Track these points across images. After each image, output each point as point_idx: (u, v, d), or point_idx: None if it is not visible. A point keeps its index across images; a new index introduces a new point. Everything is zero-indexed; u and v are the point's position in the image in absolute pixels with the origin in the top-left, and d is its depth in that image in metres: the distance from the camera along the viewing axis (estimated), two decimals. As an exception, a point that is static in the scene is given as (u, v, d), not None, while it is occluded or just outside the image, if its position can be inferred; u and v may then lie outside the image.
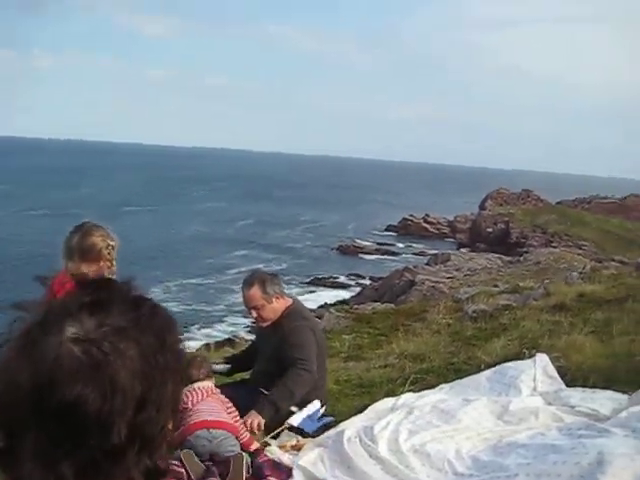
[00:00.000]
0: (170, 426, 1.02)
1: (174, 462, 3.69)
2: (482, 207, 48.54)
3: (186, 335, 27.40)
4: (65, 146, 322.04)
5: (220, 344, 14.40)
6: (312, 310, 26.12)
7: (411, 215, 61.09)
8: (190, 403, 4.12)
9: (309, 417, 4.53)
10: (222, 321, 28.77)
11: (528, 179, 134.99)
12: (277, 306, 4.82)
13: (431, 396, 4.62)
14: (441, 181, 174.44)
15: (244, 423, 4.27)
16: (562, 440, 3.43)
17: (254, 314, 4.82)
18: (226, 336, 19.97)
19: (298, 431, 4.46)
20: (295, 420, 4.44)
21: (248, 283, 4.81)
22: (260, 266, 43.63)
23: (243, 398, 4.84)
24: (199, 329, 28.55)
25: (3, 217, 57.08)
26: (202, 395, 4.18)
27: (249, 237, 55.71)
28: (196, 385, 4.23)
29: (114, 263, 3.56)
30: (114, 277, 3.76)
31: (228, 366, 5.31)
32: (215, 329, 27.87)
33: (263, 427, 4.37)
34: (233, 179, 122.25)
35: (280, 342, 4.69)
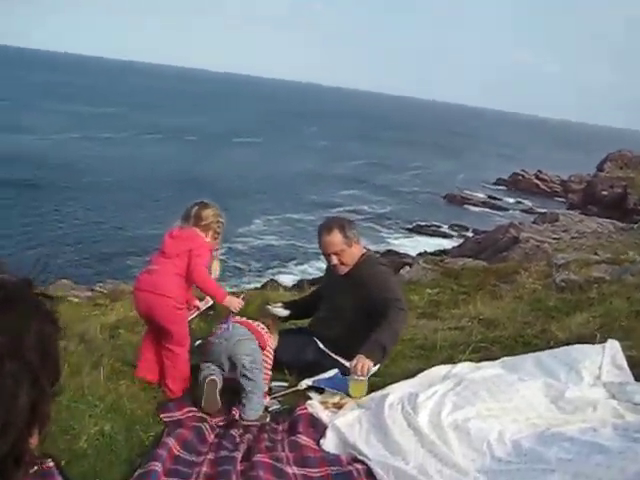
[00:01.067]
0: (34, 440, 0.86)
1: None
2: (600, 168, 45.85)
3: (282, 269, 27.87)
4: (175, 72, 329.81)
5: (315, 282, 14.40)
6: (410, 257, 26.03)
7: (523, 170, 58.92)
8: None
9: (324, 379, 4.42)
10: (319, 259, 28.92)
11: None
12: (355, 251, 4.75)
13: (488, 369, 4.37)
14: (559, 137, 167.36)
15: (354, 367, 4.19)
16: (613, 441, 3.13)
17: (334, 260, 4.73)
18: (321, 274, 19.98)
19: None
20: (308, 381, 4.35)
21: (327, 228, 4.72)
22: (365, 207, 43.64)
23: (298, 344, 4.78)
24: (296, 265, 28.92)
25: (123, 139, 59.43)
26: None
27: (357, 177, 55.54)
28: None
29: (220, 237, 4.39)
30: (217, 249, 4.39)
31: (287, 312, 5.23)
32: (312, 266, 28.10)
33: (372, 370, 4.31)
34: (343, 117, 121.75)
35: (359, 288, 4.59)
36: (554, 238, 25.99)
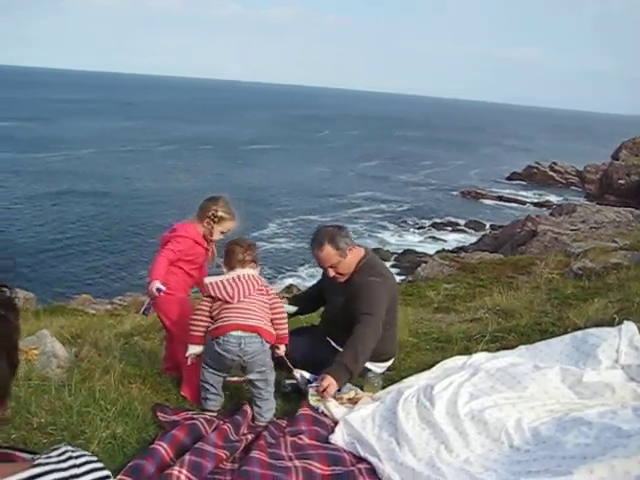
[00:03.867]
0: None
1: None
2: (615, 157, 45.36)
3: (292, 274, 27.70)
4: (194, 84, 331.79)
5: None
6: (428, 256, 25.90)
7: (537, 163, 58.43)
8: (235, 297, 3.94)
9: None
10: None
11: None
12: (352, 259, 4.64)
13: (505, 358, 4.29)
14: (570, 127, 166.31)
15: (321, 386, 4.13)
16: (633, 422, 3.05)
17: (332, 272, 4.63)
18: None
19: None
20: (305, 373, 4.31)
21: (318, 243, 4.59)
22: (381, 207, 43.49)
23: (312, 343, 4.74)
24: (306, 268, 28.60)
25: (141, 152, 59.96)
26: (245, 291, 3.98)
27: (372, 177, 55.53)
28: (242, 273, 4.03)
29: (216, 226, 4.32)
30: (212, 240, 4.31)
31: (295, 308, 5.19)
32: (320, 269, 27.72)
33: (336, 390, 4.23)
34: (354, 119, 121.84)
35: (351, 296, 4.52)
36: (572, 229, 25.70)
